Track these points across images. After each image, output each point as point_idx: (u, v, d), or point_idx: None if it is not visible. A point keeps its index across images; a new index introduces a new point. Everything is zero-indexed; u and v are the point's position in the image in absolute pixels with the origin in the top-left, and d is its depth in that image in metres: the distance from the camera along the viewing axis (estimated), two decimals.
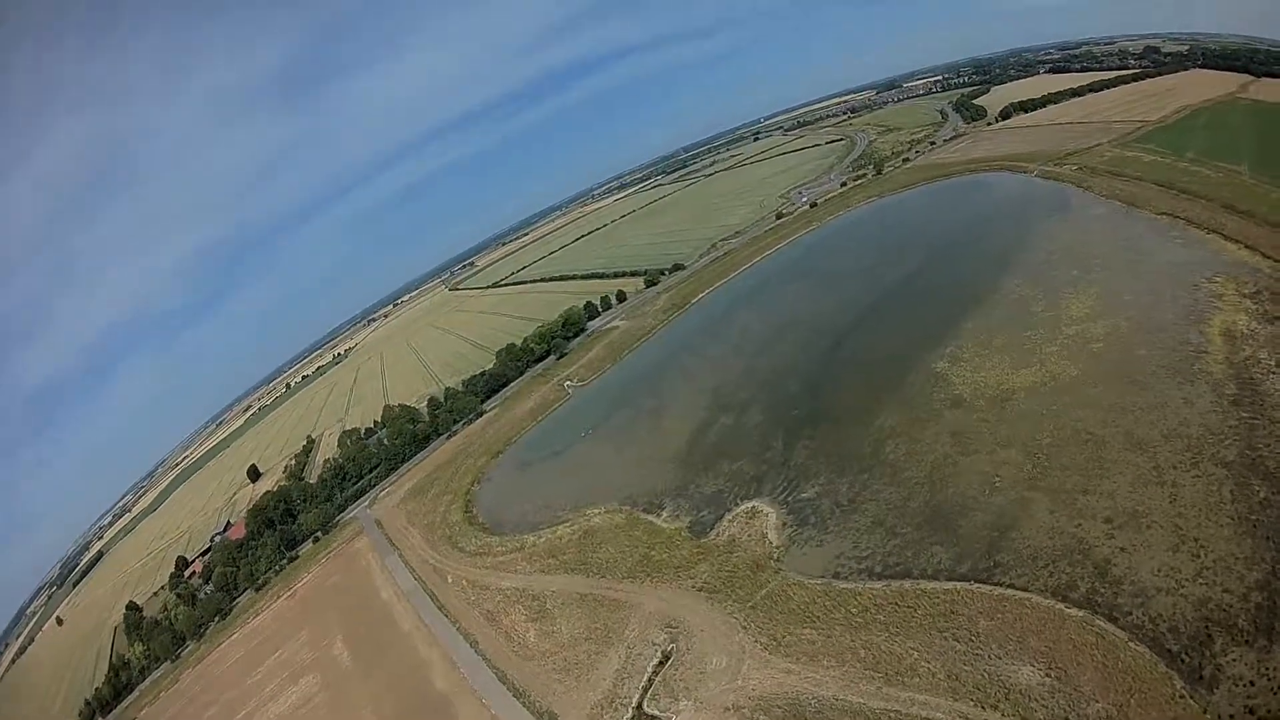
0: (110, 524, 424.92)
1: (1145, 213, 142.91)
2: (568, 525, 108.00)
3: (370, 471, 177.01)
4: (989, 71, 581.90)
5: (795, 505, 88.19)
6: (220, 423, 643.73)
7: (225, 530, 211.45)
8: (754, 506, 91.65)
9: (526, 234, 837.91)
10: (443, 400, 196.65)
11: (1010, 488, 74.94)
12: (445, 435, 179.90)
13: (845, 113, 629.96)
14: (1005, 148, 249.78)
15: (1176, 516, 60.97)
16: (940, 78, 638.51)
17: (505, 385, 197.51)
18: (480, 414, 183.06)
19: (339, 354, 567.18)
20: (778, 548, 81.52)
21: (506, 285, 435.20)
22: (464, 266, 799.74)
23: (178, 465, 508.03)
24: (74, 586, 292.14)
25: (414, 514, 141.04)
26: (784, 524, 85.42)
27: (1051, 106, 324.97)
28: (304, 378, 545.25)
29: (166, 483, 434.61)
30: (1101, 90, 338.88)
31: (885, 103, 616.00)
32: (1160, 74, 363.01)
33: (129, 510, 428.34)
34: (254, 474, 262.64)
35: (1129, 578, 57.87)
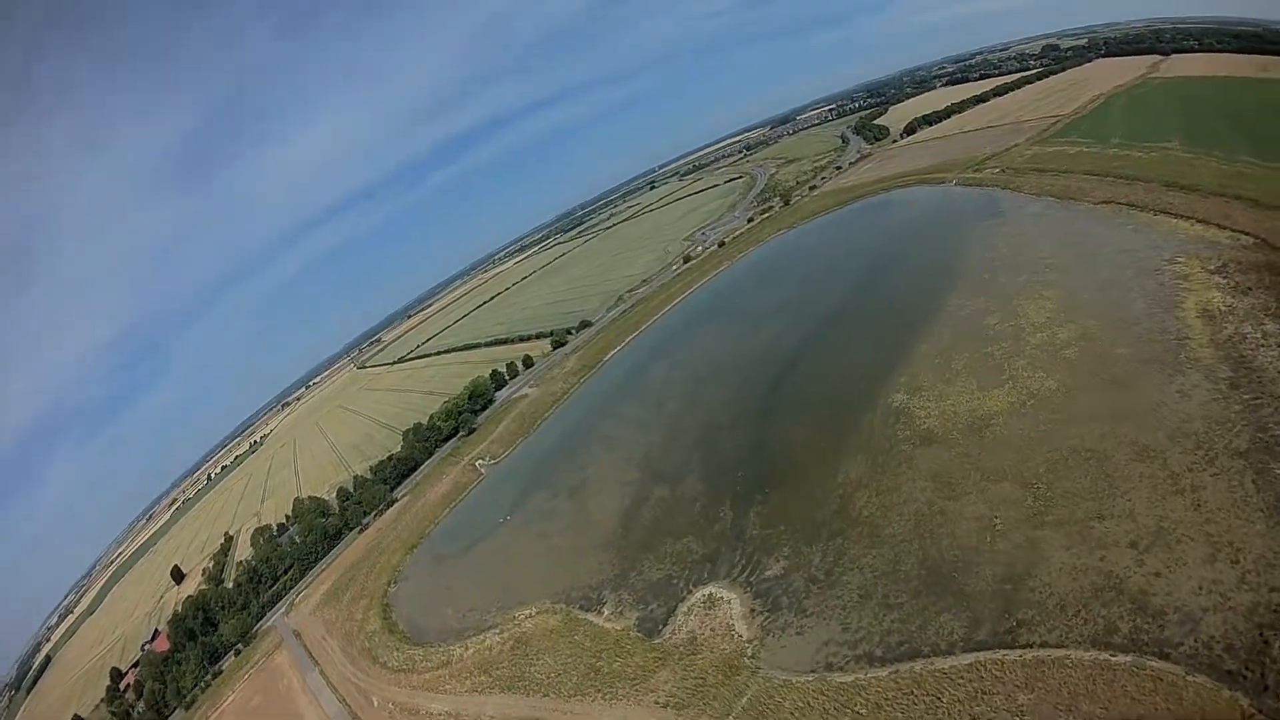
0: (56, 624, 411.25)
1: (1084, 204, 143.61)
2: (497, 632, 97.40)
3: (285, 573, 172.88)
4: (883, 94, 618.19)
5: (761, 586, 78.66)
6: (150, 516, 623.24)
7: (153, 639, 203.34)
8: (711, 593, 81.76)
9: (430, 305, 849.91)
10: (352, 490, 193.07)
11: (1014, 529, 67.55)
12: (357, 529, 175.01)
13: (741, 151, 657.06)
14: (917, 162, 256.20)
15: (1205, 524, 57.02)
16: (833, 106, 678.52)
17: (415, 469, 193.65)
18: (391, 503, 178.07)
19: (255, 442, 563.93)
20: (750, 641, 71.68)
21: (412, 359, 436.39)
22: (371, 343, 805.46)
23: (112, 563, 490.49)
24: (27, 693, 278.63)
25: (331, 623, 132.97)
26: (752, 610, 75.84)
27: (956, 116, 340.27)
28: (223, 468, 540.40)
29: (103, 582, 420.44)
30: (1006, 94, 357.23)
31: (780, 137, 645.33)
32: (1064, 69, 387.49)
33: (72, 611, 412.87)
34: (177, 575, 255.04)
35: (1171, 605, 52.18)
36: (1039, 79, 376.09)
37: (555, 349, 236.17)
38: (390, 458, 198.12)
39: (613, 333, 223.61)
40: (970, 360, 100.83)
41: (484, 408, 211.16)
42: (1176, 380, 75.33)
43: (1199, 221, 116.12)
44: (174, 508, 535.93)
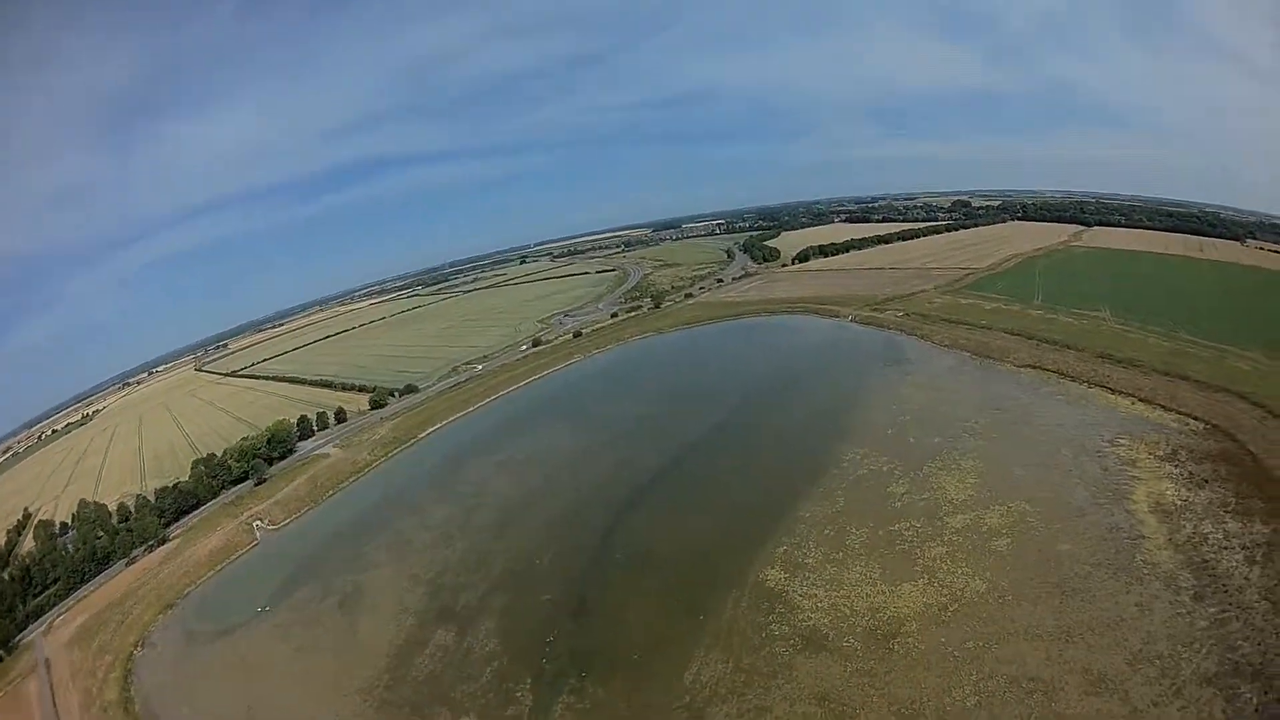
0: None
1: (1005, 366, 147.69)
2: None
3: (54, 584, 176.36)
4: (776, 218, 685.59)
5: None
6: None
7: None
8: None
9: (283, 324, 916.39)
10: (132, 510, 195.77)
11: None
12: (125, 560, 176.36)
13: (620, 246, 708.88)
14: (808, 290, 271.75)
15: None
16: (723, 221, 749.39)
17: (196, 507, 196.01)
18: (163, 540, 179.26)
19: (86, 415, 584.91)
20: None
21: (242, 376, 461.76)
22: (218, 347, 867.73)
23: None
24: None
25: (77, 669, 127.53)
26: None
27: (856, 252, 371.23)
28: (54, 431, 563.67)
29: None
30: (913, 239, 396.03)
31: (663, 240, 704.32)
32: (976, 225, 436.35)
33: None
34: None
35: None
36: (949, 230, 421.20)
37: (373, 408, 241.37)
38: (175, 486, 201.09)
39: (438, 406, 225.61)
40: (871, 538, 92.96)
41: (282, 456, 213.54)
42: (1135, 590, 72.20)
43: (1141, 400, 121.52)
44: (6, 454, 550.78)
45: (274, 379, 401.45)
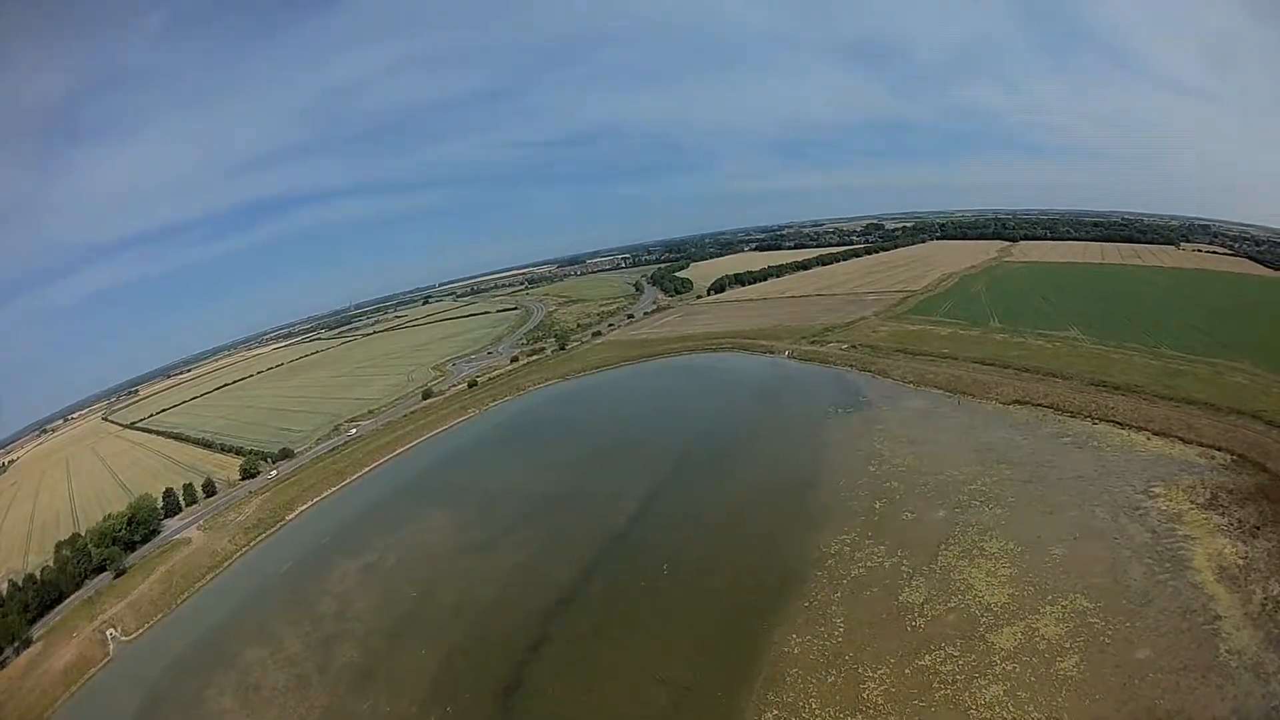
0: None
1: (989, 403, 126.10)
2: None
3: None
4: (683, 250, 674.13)
5: None
6: None
7: None
8: None
9: (191, 369, 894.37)
10: (4, 596, 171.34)
11: None
12: None
13: (523, 283, 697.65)
14: (732, 323, 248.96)
15: None
16: (628, 255, 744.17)
17: (60, 600, 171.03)
18: (28, 642, 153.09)
19: (3, 465, 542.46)
20: None
21: (138, 429, 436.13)
22: (130, 393, 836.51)
23: None
24: None
25: None
26: None
27: (775, 280, 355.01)
28: None
29: None
30: (833, 263, 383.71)
31: (567, 276, 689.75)
32: (896, 247, 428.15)
33: None
34: None
35: None
36: (869, 253, 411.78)
37: (244, 478, 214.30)
38: (40, 578, 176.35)
39: (309, 478, 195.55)
40: (896, 683, 65.06)
41: (145, 539, 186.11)
42: (1228, 690, 57.63)
43: (1157, 434, 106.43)
44: None
45: (162, 434, 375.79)
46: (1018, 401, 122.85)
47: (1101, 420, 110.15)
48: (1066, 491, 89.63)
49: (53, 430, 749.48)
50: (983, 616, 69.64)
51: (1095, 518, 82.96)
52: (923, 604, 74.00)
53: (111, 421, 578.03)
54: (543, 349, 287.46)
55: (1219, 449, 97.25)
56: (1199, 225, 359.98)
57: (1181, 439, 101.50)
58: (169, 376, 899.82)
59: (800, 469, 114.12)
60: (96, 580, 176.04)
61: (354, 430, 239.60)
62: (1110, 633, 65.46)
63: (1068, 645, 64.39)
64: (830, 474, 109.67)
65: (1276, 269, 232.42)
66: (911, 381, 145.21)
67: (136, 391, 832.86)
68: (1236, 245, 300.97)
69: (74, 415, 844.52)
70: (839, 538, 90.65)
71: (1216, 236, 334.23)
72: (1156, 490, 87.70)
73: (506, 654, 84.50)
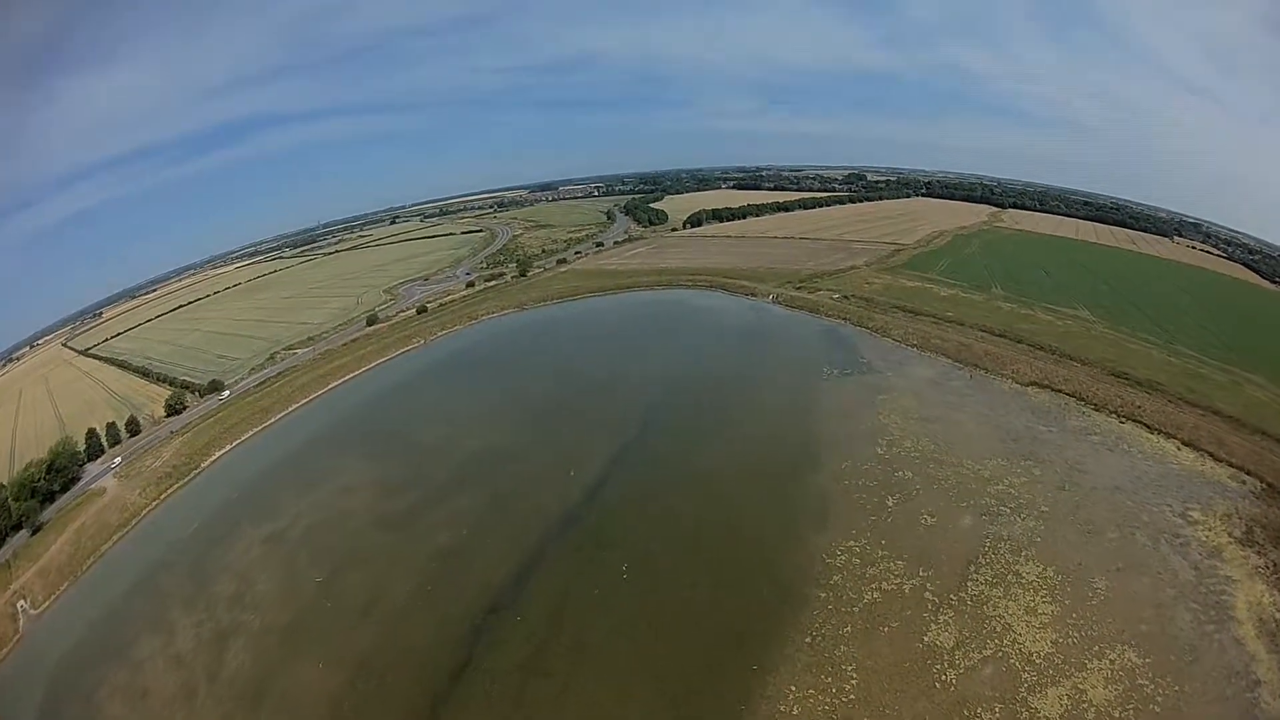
0: None
1: (1005, 382, 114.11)
2: None
3: None
4: (659, 183, 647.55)
5: None
6: None
7: None
8: None
9: (155, 290, 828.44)
10: None
11: None
12: None
13: (492, 206, 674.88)
14: (709, 260, 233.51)
15: None
16: (602, 185, 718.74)
17: None
18: None
19: None
20: None
21: (90, 356, 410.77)
22: (95, 315, 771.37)
23: None
24: None
25: None
26: None
27: (755, 219, 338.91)
28: None
29: None
30: (817, 208, 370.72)
31: (539, 201, 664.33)
32: (880, 199, 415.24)
33: None
34: None
35: None
36: (852, 202, 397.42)
37: (169, 414, 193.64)
38: None
39: (233, 416, 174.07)
40: None
41: (64, 488, 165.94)
42: None
43: (1187, 444, 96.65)
44: None
45: (108, 361, 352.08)
46: (1036, 384, 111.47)
47: (1129, 419, 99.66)
48: (1104, 506, 78.44)
49: (17, 359, 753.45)
50: (1024, 671, 57.67)
51: (1137, 544, 72.30)
52: (953, 649, 60.67)
53: (68, 347, 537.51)
54: (502, 274, 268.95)
55: (1249, 473, 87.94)
56: (1189, 222, 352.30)
57: (1212, 455, 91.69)
58: (134, 298, 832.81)
59: (794, 442, 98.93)
60: (16, 539, 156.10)
61: (297, 355, 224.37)
62: (1160, 699, 55.70)
63: (1117, 715, 53.56)
64: (830, 452, 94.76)
65: (1275, 282, 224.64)
66: (915, 345, 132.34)
67: (100, 314, 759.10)
68: (1230, 249, 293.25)
69: (39, 341, 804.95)
70: (846, 543, 75.91)
71: (1208, 236, 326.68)
72: (1194, 515, 78.10)
73: (420, 683, 67.19)
